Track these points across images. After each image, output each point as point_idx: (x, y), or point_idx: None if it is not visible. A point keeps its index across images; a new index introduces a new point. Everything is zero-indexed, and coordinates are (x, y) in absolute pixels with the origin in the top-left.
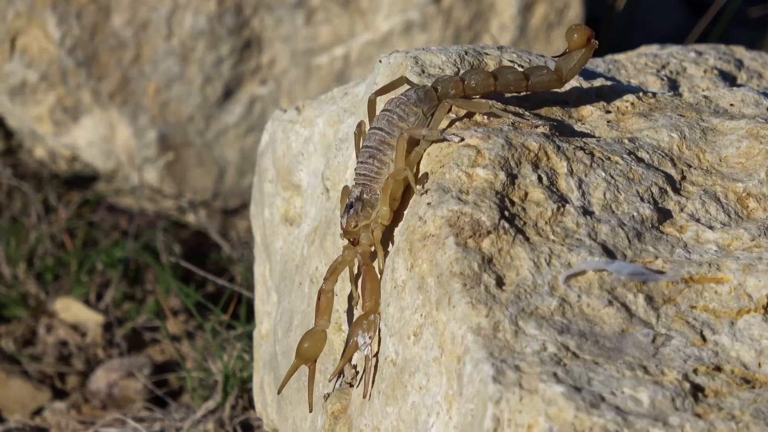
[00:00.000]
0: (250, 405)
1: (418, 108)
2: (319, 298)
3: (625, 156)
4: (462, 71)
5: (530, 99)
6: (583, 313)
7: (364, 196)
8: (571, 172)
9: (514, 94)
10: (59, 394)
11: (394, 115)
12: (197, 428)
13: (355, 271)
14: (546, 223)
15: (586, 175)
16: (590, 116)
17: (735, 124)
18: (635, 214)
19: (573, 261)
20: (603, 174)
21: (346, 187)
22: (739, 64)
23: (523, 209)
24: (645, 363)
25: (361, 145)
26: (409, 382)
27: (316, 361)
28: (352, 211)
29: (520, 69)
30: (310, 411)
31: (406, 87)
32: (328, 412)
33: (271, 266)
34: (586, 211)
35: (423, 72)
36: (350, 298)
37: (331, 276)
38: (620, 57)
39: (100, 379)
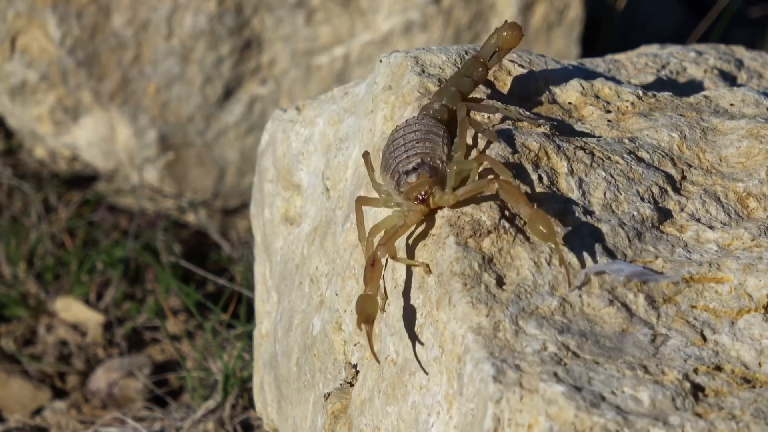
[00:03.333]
0: (250, 404)
1: (439, 115)
2: (372, 265)
3: (625, 156)
4: (446, 83)
5: (530, 99)
6: (584, 313)
7: (426, 161)
8: (571, 172)
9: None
10: (59, 394)
11: (423, 115)
12: (197, 428)
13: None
14: None
15: (586, 175)
16: (590, 116)
17: (735, 124)
18: (635, 213)
19: (573, 261)
20: (603, 174)
21: (367, 153)
22: (740, 63)
23: None
24: (645, 362)
25: (390, 149)
26: (409, 381)
27: (373, 322)
28: (420, 169)
29: (466, 74)
30: (378, 362)
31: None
32: (329, 411)
33: (272, 266)
34: (587, 211)
35: (423, 72)
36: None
37: (388, 242)
38: (620, 57)
39: (100, 379)
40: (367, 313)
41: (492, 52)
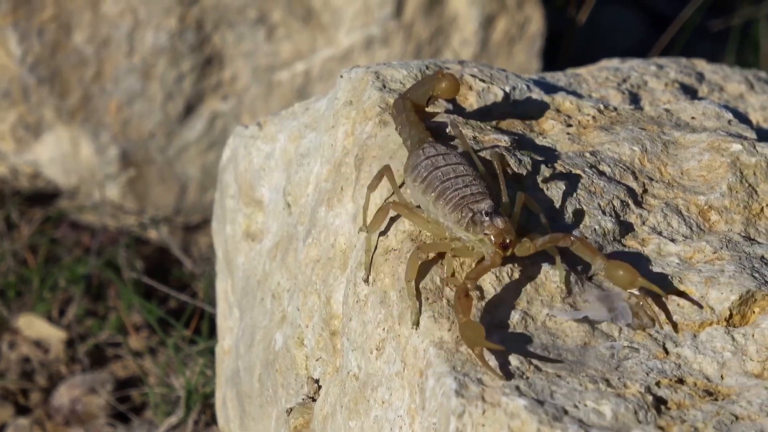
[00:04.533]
0: (213, 420)
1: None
2: (466, 296)
3: (586, 169)
4: (401, 124)
5: (491, 113)
6: (546, 327)
7: (496, 202)
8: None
9: None
10: (22, 411)
11: (447, 145)
12: None
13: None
14: None
15: (547, 189)
16: (551, 130)
17: (696, 137)
18: (597, 227)
19: (540, 278)
20: (564, 188)
21: (388, 167)
22: (700, 77)
23: None
24: (608, 376)
25: (437, 176)
26: (371, 396)
27: (482, 345)
28: (502, 213)
29: (408, 119)
30: (501, 379)
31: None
32: (291, 426)
33: (233, 282)
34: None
35: (384, 87)
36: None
37: (476, 277)
38: (581, 71)
39: (63, 396)
40: (474, 339)
41: (427, 97)
